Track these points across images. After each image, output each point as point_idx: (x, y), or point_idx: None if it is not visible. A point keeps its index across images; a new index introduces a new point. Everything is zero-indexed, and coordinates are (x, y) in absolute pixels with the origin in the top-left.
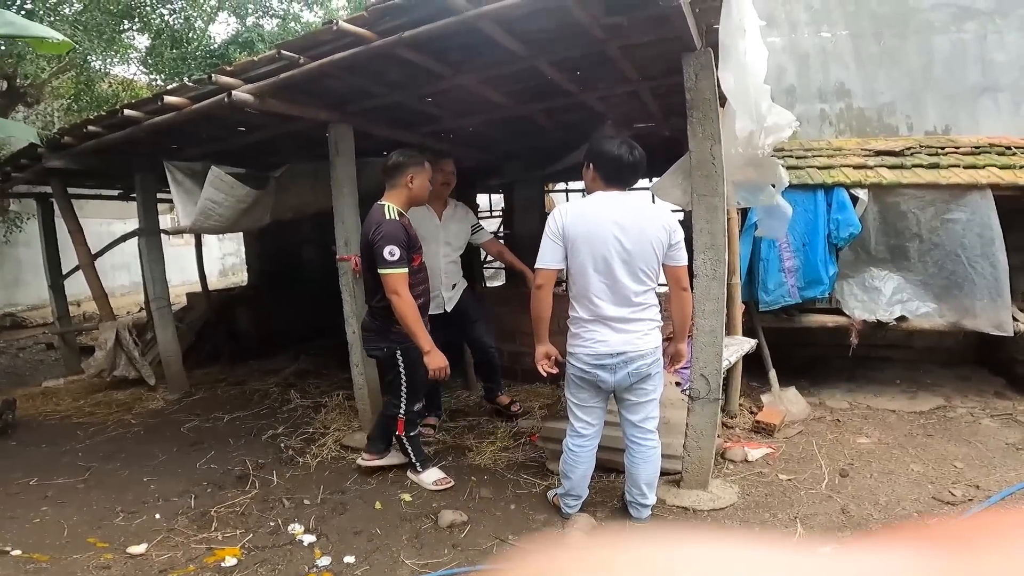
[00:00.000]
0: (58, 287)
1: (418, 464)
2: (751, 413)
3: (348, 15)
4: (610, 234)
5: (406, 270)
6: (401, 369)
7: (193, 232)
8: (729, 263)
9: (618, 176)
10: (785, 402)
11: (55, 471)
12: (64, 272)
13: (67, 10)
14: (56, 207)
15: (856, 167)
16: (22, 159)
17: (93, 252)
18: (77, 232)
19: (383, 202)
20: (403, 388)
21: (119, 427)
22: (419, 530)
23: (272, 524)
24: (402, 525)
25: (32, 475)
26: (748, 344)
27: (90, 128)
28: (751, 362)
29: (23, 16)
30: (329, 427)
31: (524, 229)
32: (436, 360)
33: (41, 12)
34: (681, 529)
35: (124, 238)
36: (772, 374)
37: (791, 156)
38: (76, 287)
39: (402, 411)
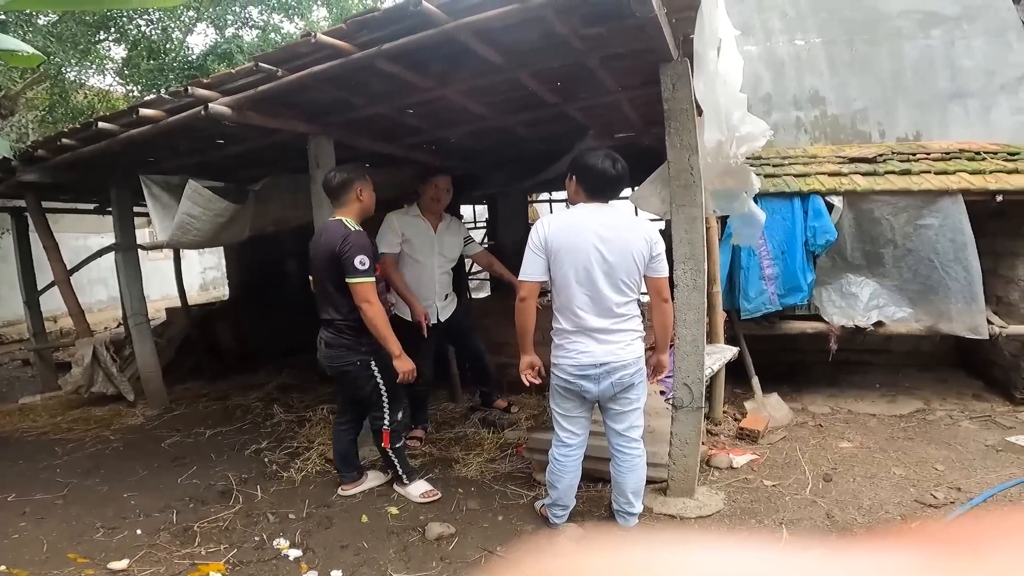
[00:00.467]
0: (33, 303)
1: (404, 476)
2: (735, 420)
3: (329, 27)
4: (591, 246)
5: (374, 279)
6: (378, 379)
7: (171, 247)
8: (709, 272)
9: (601, 189)
10: (768, 408)
11: (33, 487)
12: (40, 288)
13: (41, 20)
14: (30, 221)
15: (831, 174)
16: None
17: (69, 267)
18: (52, 247)
19: (339, 218)
20: (383, 398)
21: (98, 443)
22: (406, 543)
23: (257, 539)
24: (389, 538)
25: (8, 491)
26: (730, 352)
27: (64, 141)
28: (734, 369)
29: None
30: (313, 441)
31: (508, 240)
32: (405, 364)
33: (13, 22)
34: (667, 535)
35: (100, 253)
36: (755, 381)
37: (768, 164)
38: (52, 303)
39: (386, 422)
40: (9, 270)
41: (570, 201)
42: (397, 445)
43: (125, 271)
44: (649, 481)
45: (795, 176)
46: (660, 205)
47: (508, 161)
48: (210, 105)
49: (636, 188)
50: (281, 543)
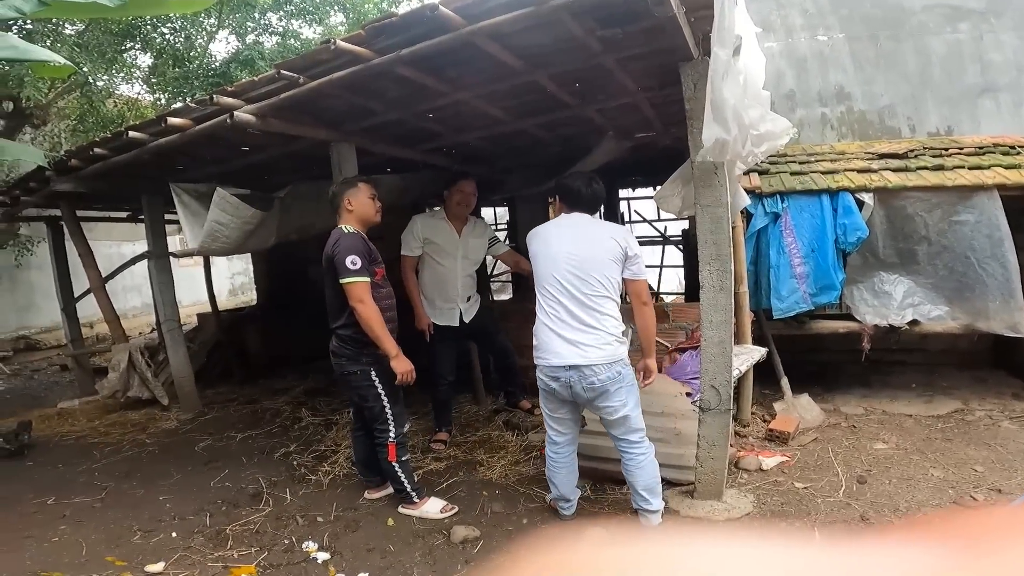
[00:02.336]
0: (70, 310)
1: (414, 494)
2: (764, 421)
3: (346, 32)
4: (563, 249)
5: (368, 279)
6: (379, 390)
7: (201, 254)
8: (736, 272)
9: (577, 205)
10: (799, 409)
11: (72, 491)
12: (76, 295)
13: (68, 30)
14: (66, 230)
15: (860, 171)
16: (31, 182)
17: (103, 275)
18: (87, 255)
19: (339, 225)
20: (386, 410)
21: (134, 447)
22: (432, 546)
23: (287, 542)
24: (415, 542)
25: (49, 495)
26: (758, 353)
27: (96, 151)
28: (762, 370)
29: (23, 37)
30: (340, 444)
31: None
32: (403, 364)
33: (40, 33)
34: (684, 531)
35: (133, 261)
36: (784, 382)
37: (794, 162)
38: (89, 309)
39: (392, 435)
40: (45, 279)
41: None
42: (404, 458)
43: (158, 278)
44: (676, 484)
45: (823, 173)
46: (680, 204)
47: (527, 164)
48: (235, 113)
49: (658, 188)
50: (310, 546)
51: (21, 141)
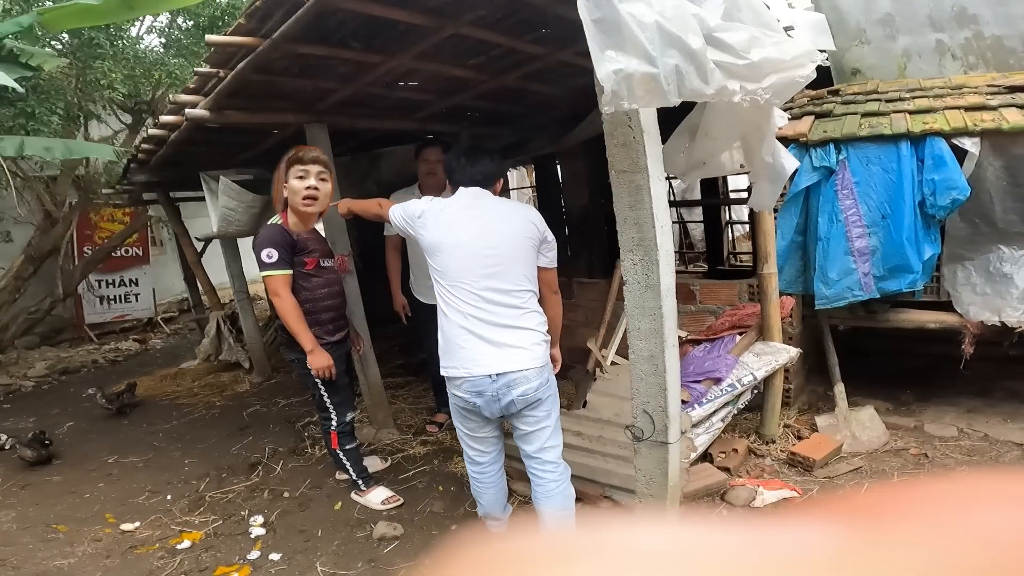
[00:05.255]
0: (190, 279)
1: (360, 482)
2: (797, 438)
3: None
4: (475, 234)
5: (287, 272)
6: (316, 379)
7: (220, 238)
8: (760, 248)
9: (465, 181)
10: (852, 426)
11: (133, 450)
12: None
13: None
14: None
15: (970, 108)
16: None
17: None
18: (182, 233)
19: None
20: (325, 399)
21: (204, 409)
22: (353, 538)
23: (243, 513)
24: (342, 531)
25: (114, 453)
26: (785, 354)
27: (143, 146)
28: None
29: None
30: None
31: (573, 205)
32: (318, 360)
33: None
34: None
35: (210, 239)
36: (838, 389)
37: (878, 99)
38: (218, 276)
39: (333, 423)
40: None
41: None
42: (348, 447)
43: (225, 253)
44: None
45: (911, 113)
46: (685, 164)
47: (541, 124)
48: (187, 111)
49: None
50: (256, 520)
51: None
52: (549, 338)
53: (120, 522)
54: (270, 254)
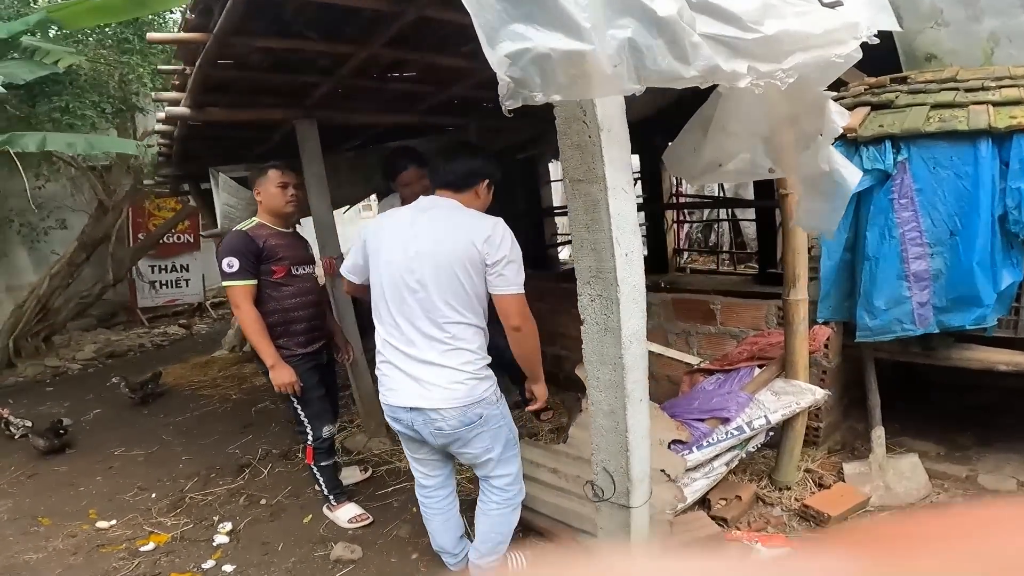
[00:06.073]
0: None
1: (332, 498)
2: (818, 486)
3: None
4: (402, 251)
5: (249, 282)
6: (289, 393)
7: (224, 234)
8: (788, 268)
9: (436, 182)
10: (887, 475)
11: (140, 443)
12: None
13: None
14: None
15: None
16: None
17: None
18: (213, 224)
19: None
20: (299, 412)
21: (218, 402)
22: (310, 556)
23: (216, 518)
24: (304, 547)
25: (122, 445)
26: (810, 396)
27: (159, 141)
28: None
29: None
30: (354, 421)
31: None
32: (279, 376)
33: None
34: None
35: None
36: (876, 433)
37: (955, 88)
38: None
39: (310, 438)
40: None
41: None
42: (323, 463)
43: None
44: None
45: (994, 105)
46: (697, 165)
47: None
48: (168, 109)
49: (670, 143)
50: (225, 527)
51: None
52: (483, 375)
53: (100, 519)
54: (231, 263)
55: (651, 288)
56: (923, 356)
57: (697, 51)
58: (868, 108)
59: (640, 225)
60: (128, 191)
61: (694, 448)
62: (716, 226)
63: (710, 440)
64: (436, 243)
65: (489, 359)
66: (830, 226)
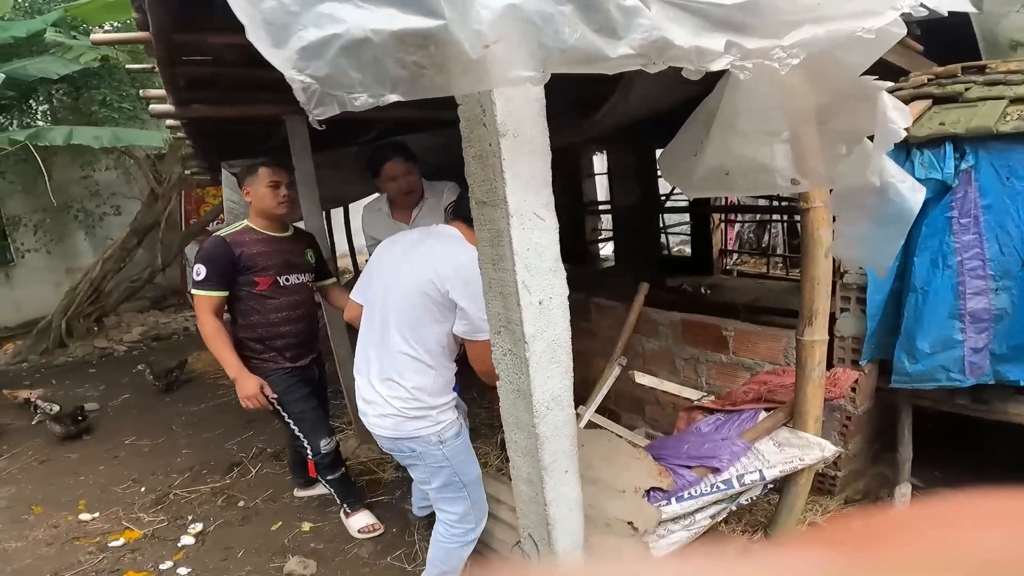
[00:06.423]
0: None
1: (345, 505)
2: None
3: None
4: (382, 275)
5: (213, 294)
6: (276, 406)
7: None
8: (806, 301)
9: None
10: None
11: (151, 432)
12: None
13: None
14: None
15: None
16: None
17: None
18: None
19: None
20: (291, 426)
21: (233, 394)
22: (265, 567)
23: (190, 517)
24: (264, 555)
25: (134, 434)
26: (818, 452)
27: (177, 135)
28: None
29: None
30: (352, 424)
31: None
32: (243, 388)
33: None
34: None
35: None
36: (902, 491)
37: None
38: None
39: (309, 453)
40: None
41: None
42: (329, 477)
43: None
44: None
45: None
46: (691, 174)
47: (563, 108)
48: (152, 107)
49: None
50: (195, 528)
51: None
52: (413, 415)
53: (86, 511)
54: (199, 271)
55: (658, 303)
56: (973, 409)
57: (631, 19)
58: (929, 102)
59: (681, 225)
60: (177, 179)
61: (673, 499)
62: (770, 226)
63: (692, 492)
64: (410, 268)
65: (435, 402)
66: (882, 260)
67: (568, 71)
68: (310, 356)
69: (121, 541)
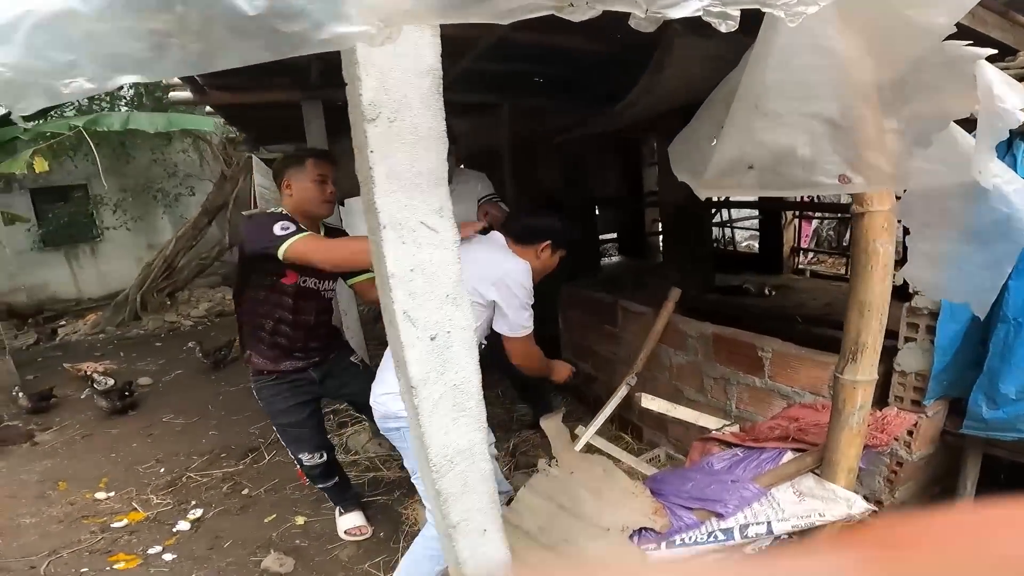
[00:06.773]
0: None
1: (339, 507)
2: None
3: None
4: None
5: (305, 234)
6: (268, 415)
7: None
8: (851, 330)
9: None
10: None
11: (189, 411)
12: None
13: None
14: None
15: None
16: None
17: None
18: None
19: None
20: (280, 437)
21: None
22: (245, 560)
23: (193, 503)
24: (248, 548)
25: (175, 412)
26: (843, 508)
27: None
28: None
29: None
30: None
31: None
32: None
33: None
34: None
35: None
36: None
37: None
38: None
39: (297, 464)
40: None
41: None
42: (320, 485)
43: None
44: None
45: None
46: (704, 168)
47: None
48: (171, 94)
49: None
50: (194, 514)
51: None
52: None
53: (104, 490)
54: (285, 226)
55: (697, 308)
56: None
57: None
58: None
59: (750, 219)
60: (244, 161)
61: (663, 544)
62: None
63: (686, 539)
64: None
65: None
66: (982, 294)
67: (421, 22)
68: (311, 359)
69: (124, 522)
